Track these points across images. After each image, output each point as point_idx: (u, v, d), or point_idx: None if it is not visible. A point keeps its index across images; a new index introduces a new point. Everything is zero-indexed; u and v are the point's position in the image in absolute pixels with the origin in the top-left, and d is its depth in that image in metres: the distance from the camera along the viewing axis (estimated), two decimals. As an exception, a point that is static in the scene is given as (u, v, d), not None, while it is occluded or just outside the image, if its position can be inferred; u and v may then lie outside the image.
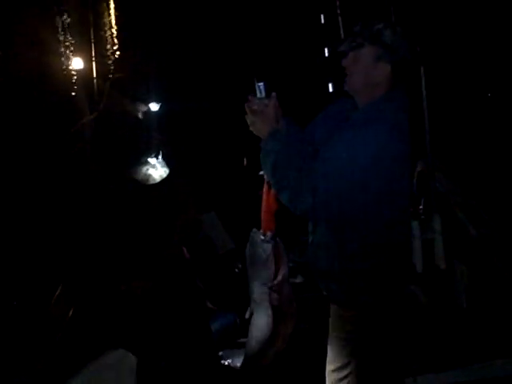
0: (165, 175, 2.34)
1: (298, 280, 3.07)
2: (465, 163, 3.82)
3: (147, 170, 2.29)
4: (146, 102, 2.93)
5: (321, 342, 2.54)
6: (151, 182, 2.32)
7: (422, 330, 2.81)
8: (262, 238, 2.01)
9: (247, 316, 2.10)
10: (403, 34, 2.04)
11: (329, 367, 2.30)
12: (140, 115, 2.91)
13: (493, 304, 2.63)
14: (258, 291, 2.04)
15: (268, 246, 2.01)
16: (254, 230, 2.04)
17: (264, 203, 2.07)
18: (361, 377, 2.21)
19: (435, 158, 3.41)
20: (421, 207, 3.21)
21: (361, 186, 1.91)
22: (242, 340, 3.01)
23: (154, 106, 2.98)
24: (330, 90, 4.03)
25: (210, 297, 3.14)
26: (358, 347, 2.19)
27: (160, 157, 2.34)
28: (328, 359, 2.30)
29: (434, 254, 3.18)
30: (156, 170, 2.33)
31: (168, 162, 2.82)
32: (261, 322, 2.06)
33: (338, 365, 2.24)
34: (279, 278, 2.01)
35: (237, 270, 3.77)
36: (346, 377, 2.23)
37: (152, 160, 2.33)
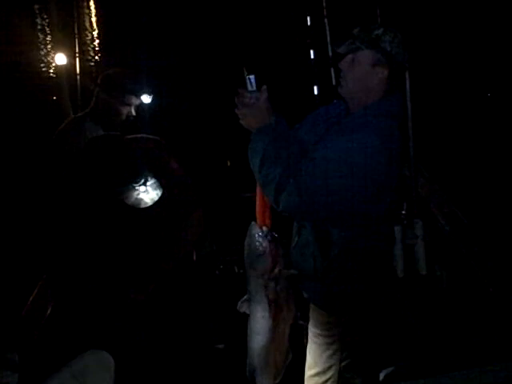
0: (157, 198, 2.29)
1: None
2: (447, 168, 3.85)
3: (138, 194, 2.24)
4: (138, 95, 2.90)
5: (300, 347, 2.54)
6: (143, 205, 2.27)
7: (402, 335, 2.82)
8: (259, 231, 2.01)
9: (239, 308, 2.09)
10: (403, 41, 2.03)
11: (308, 372, 2.30)
12: (132, 110, 2.88)
13: (472, 309, 2.64)
14: (254, 283, 2.03)
15: (264, 240, 2.01)
16: (253, 222, 2.04)
17: (258, 198, 2.06)
18: (341, 381, 2.22)
19: (418, 163, 3.42)
20: (403, 212, 3.21)
21: (346, 189, 1.90)
22: (219, 346, 3.00)
23: (146, 99, 2.94)
24: (315, 92, 4.03)
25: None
26: (338, 352, 2.19)
27: (151, 180, 2.30)
28: (307, 364, 2.30)
29: (415, 259, 3.19)
30: (147, 193, 2.27)
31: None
32: (257, 315, 2.05)
33: (318, 370, 2.24)
34: (275, 271, 2.01)
35: (217, 273, 3.75)
36: (325, 381, 2.23)
37: (141, 187, 2.28)
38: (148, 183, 2.29)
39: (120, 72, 3.02)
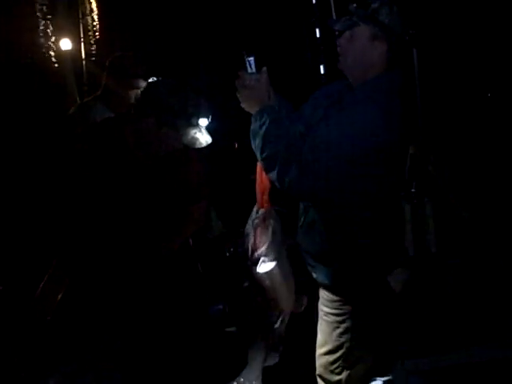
0: (209, 141, 2.30)
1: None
2: (457, 147, 3.81)
3: (195, 133, 2.24)
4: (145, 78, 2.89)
5: (311, 325, 2.55)
6: (198, 145, 2.27)
7: (411, 314, 2.82)
8: (253, 213, 2.03)
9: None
10: (400, 14, 2.01)
11: (319, 350, 2.30)
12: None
13: (482, 288, 2.63)
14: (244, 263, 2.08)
15: (250, 223, 2.04)
16: (255, 205, 2.06)
17: (258, 181, 2.07)
18: (351, 359, 2.22)
19: (428, 141, 3.40)
20: (413, 191, 3.20)
21: (348, 164, 1.89)
22: (230, 329, 3.01)
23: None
24: (322, 71, 4.00)
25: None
26: (348, 330, 2.19)
27: (209, 120, 2.33)
28: (318, 342, 2.31)
29: (425, 238, 3.18)
30: (202, 134, 2.28)
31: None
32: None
33: (329, 348, 2.25)
34: (256, 255, 2.03)
35: (227, 254, 3.76)
36: (336, 360, 2.24)
37: (202, 121, 2.28)
38: (209, 119, 2.30)
39: (127, 56, 3.02)
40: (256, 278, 2.08)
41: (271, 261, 2.06)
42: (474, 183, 3.20)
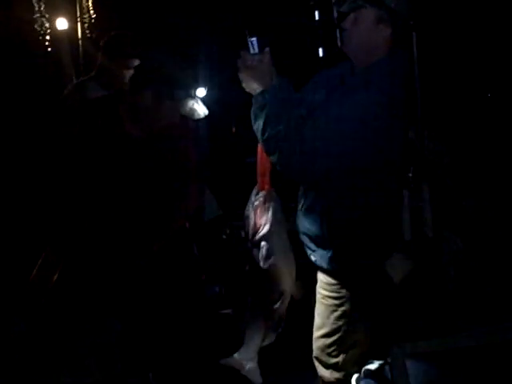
0: (207, 113, 2.28)
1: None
2: (455, 131, 3.80)
3: (193, 104, 2.22)
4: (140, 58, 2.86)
5: (308, 308, 2.55)
6: (196, 116, 2.26)
7: (409, 298, 2.83)
8: (253, 196, 2.02)
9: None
10: None
11: (316, 333, 2.31)
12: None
13: (481, 272, 2.64)
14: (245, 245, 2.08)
15: (250, 206, 2.03)
16: (255, 187, 2.05)
17: (259, 162, 2.05)
18: (348, 342, 2.23)
19: (425, 126, 3.39)
20: (410, 175, 3.19)
21: (349, 149, 1.89)
22: (226, 311, 3.02)
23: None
24: (320, 54, 3.97)
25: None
26: (346, 313, 2.20)
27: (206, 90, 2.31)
28: (315, 325, 2.32)
29: (422, 222, 3.18)
30: (199, 105, 2.27)
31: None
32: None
33: (326, 331, 2.25)
34: (257, 236, 2.03)
35: (224, 237, 3.76)
36: (333, 343, 2.24)
37: (200, 92, 2.27)
38: (198, 97, 2.29)
39: (122, 35, 2.98)
40: (257, 261, 2.07)
41: (272, 242, 2.05)
42: (473, 169, 3.20)
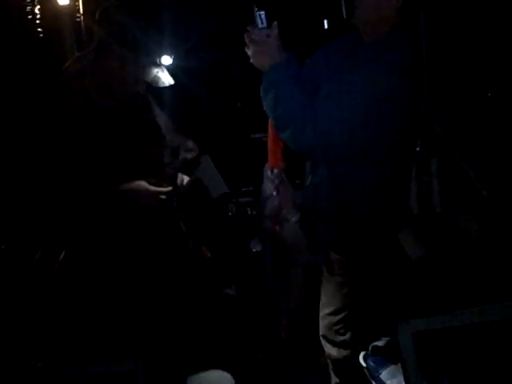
0: (172, 82, 2.24)
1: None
2: (464, 106, 3.74)
3: (157, 72, 2.18)
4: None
5: (315, 286, 2.53)
6: (160, 84, 2.22)
7: (416, 275, 2.81)
8: (269, 173, 1.99)
9: (251, 246, 2.13)
10: None
11: (323, 311, 2.30)
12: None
13: (489, 248, 2.60)
14: (264, 225, 2.05)
15: (272, 182, 2.01)
16: (266, 165, 2.02)
17: (270, 140, 2.02)
18: (355, 320, 2.22)
19: (433, 100, 3.34)
20: (418, 149, 3.15)
21: (361, 122, 1.86)
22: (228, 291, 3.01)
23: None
24: (325, 26, 3.91)
25: (204, 242, 3.11)
26: (353, 291, 2.19)
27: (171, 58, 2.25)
28: (322, 303, 2.31)
29: (430, 197, 3.15)
30: (163, 73, 2.22)
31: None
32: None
33: (333, 309, 2.25)
34: (283, 214, 2.01)
35: (230, 214, 3.74)
36: (340, 320, 2.24)
37: (165, 60, 2.21)
38: (163, 65, 2.25)
39: (116, 6, 2.90)
40: (281, 238, 2.06)
41: (297, 219, 2.04)
42: (481, 143, 3.15)
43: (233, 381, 2.55)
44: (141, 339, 2.23)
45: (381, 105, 1.84)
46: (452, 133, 3.35)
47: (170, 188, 2.18)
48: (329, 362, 2.39)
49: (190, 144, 2.55)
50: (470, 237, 2.63)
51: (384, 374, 2.55)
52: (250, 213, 3.73)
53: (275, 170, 2.02)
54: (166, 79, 2.24)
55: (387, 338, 2.56)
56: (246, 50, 1.93)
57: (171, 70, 2.34)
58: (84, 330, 2.19)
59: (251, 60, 1.94)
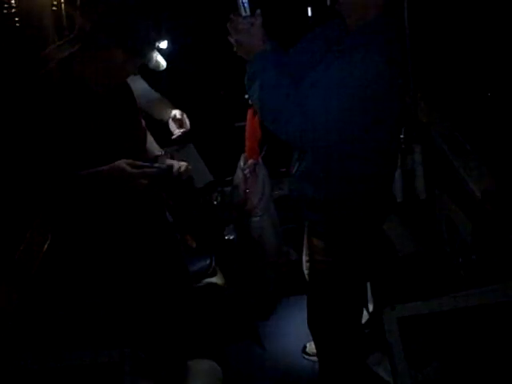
0: (165, 66, 2.23)
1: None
2: (448, 94, 3.75)
3: (156, 56, 2.16)
4: None
5: (302, 275, 2.54)
6: (161, 68, 2.20)
7: (401, 260, 2.82)
8: (242, 164, 1.99)
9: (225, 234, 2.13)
10: None
11: (310, 300, 2.31)
12: None
13: (474, 235, 2.62)
14: (230, 214, 2.13)
15: (241, 172, 2.00)
16: (243, 154, 2.01)
17: (248, 130, 2.01)
18: (340, 306, 2.23)
19: (417, 88, 3.34)
20: (402, 137, 3.15)
21: (348, 110, 1.85)
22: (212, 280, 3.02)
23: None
24: (309, 13, 3.88)
25: (189, 232, 3.09)
26: (339, 279, 2.19)
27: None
28: (308, 292, 2.32)
29: (414, 185, 3.16)
30: (160, 57, 2.21)
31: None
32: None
33: (319, 297, 2.25)
34: (248, 206, 2.02)
35: (215, 203, 3.72)
36: (327, 309, 2.24)
37: (163, 44, 2.18)
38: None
39: None
40: (246, 230, 2.06)
41: (262, 212, 2.03)
42: (466, 129, 3.15)
43: (219, 370, 2.56)
44: (128, 330, 2.22)
45: (368, 92, 1.83)
46: (436, 120, 3.36)
47: (153, 170, 2.11)
48: (317, 348, 2.41)
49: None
50: (464, 236, 2.64)
51: (370, 360, 2.57)
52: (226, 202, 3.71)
53: (250, 161, 2.01)
54: (164, 63, 2.22)
55: (373, 325, 2.58)
56: (229, 38, 1.91)
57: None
58: (70, 321, 2.18)
59: (235, 49, 1.92)
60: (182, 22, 4.08)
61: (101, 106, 2.10)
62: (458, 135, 3.04)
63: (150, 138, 2.43)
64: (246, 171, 2.04)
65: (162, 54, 2.21)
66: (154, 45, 2.12)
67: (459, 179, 2.69)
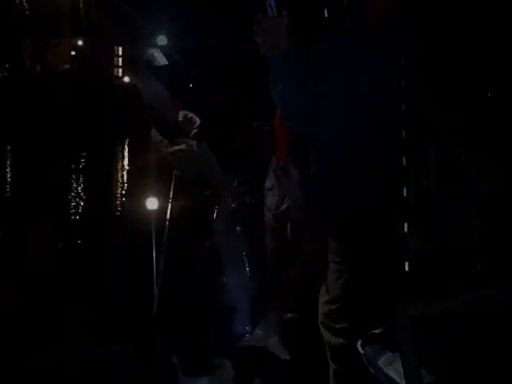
0: (166, 63, 2.28)
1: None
2: (459, 91, 3.73)
3: (153, 51, 2.22)
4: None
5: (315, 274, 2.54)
6: (156, 63, 2.26)
7: (414, 261, 2.81)
8: (274, 166, 2.02)
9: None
10: None
11: (322, 299, 2.32)
12: None
13: (484, 232, 2.61)
14: (266, 217, 2.10)
15: (273, 175, 2.02)
16: (273, 156, 2.04)
17: (277, 132, 2.03)
18: (353, 308, 2.23)
19: (427, 84, 3.33)
20: (413, 137, 3.14)
21: (369, 112, 1.87)
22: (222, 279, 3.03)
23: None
24: (326, 15, 3.87)
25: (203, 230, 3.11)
26: (351, 279, 2.20)
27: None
28: (321, 291, 2.33)
29: (426, 186, 3.15)
30: (159, 54, 2.27)
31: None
32: (268, 247, 2.16)
33: (331, 296, 2.26)
34: (283, 207, 2.03)
35: (233, 206, 3.73)
36: (339, 308, 2.25)
37: (160, 40, 2.25)
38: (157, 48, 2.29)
39: None
40: (279, 228, 2.08)
41: (297, 210, 2.05)
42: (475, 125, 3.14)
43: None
44: (132, 324, 2.25)
45: (375, 94, 1.86)
46: (445, 118, 3.35)
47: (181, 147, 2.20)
48: (327, 349, 2.41)
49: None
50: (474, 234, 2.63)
51: (381, 361, 2.56)
52: (249, 201, 3.72)
53: (280, 162, 2.03)
54: (162, 59, 2.28)
55: (386, 326, 2.58)
56: (255, 38, 1.94)
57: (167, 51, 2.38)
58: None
59: (261, 49, 1.95)
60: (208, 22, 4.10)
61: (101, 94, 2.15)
62: (466, 132, 3.03)
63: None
64: (279, 173, 2.05)
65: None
66: (151, 40, 2.18)
67: (468, 176, 2.68)
